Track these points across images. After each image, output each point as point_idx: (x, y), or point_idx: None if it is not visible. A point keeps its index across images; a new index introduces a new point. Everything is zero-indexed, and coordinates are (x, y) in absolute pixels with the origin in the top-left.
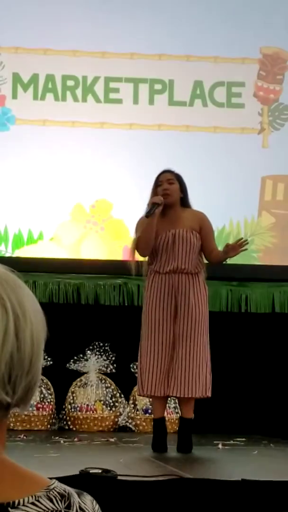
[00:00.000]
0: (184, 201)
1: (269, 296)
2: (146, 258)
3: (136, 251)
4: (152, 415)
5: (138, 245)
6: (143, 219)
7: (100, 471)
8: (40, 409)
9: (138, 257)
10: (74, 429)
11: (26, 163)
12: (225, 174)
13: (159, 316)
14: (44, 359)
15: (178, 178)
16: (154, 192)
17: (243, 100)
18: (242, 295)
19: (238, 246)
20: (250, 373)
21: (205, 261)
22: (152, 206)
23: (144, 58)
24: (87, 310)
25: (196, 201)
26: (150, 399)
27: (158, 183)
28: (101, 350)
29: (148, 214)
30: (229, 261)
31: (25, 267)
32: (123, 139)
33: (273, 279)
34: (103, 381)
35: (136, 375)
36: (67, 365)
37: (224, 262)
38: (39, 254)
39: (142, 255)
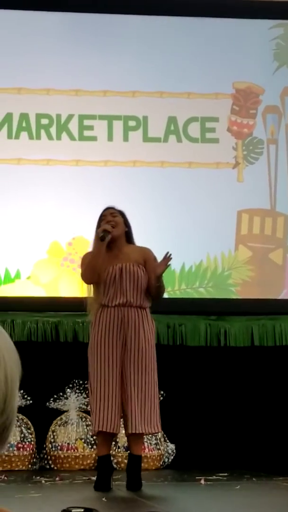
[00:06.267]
0: (128, 237)
1: (248, 329)
2: (92, 294)
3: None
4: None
5: (86, 272)
6: (88, 254)
7: (82, 510)
8: (21, 449)
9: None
10: (55, 468)
11: (1, 202)
12: (201, 209)
13: (107, 350)
14: (24, 398)
15: (121, 214)
16: (99, 226)
17: (217, 135)
18: (221, 329)
19: (163, 261)
20: (231, 407)
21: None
22: (104, 232)
23: (118, 95)
24: (66, 348)
25: (172, 237)
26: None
27: (101, 217)
28: (81, 388)
29: (103, 238)
30: (208, 295)
31: (3, 306)
32: (99, 176)
33: (251, 312)
34: (84, 419)
35: None
36: (47, 403)
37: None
38: (16, 293)
39: (87, 282)
